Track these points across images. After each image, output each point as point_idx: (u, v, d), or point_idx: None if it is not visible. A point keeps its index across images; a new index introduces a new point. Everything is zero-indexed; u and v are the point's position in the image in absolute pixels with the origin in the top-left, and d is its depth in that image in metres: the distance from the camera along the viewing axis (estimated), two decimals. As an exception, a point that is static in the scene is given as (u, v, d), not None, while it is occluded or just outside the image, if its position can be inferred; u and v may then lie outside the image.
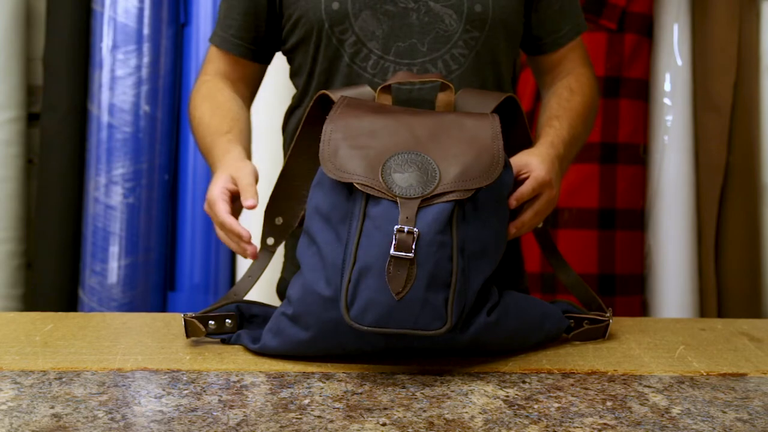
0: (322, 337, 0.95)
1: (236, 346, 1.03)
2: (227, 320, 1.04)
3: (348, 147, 0.95)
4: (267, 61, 1.33)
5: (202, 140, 1.23)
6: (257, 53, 1.30)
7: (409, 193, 0.91)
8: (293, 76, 1.31)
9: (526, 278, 1.41)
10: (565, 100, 1.23)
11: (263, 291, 1.93)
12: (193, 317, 1.03)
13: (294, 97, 1.31)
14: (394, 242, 0.89)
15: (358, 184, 0.92)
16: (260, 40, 1.28)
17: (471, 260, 0.94)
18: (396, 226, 0.89)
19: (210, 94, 1.27)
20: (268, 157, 1.68)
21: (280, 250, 1.40)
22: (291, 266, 1.35)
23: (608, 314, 1.09)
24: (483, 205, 0.96)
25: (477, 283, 0.94)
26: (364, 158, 0.94)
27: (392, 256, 0.89)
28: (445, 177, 0.92)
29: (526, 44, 1.31)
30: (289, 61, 1.30)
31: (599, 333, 1.08)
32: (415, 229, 0.89)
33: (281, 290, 1.37)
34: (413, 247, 0.89)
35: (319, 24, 1.19)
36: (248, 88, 1.33)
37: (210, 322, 1.04)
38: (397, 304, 0.88)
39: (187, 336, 1.04)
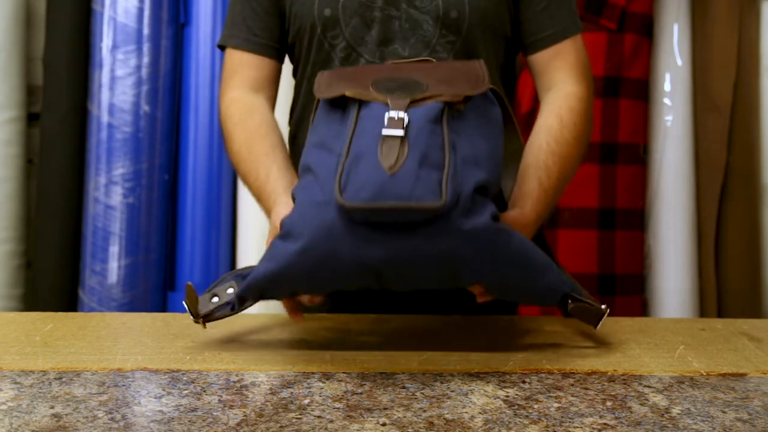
0: (315, 244, 0.91)
1: (236, 347, 1.04)
2: (229, 290, 1.01)
3: (339, 78, 1.02)
4: (283, 59, 1.32)
5: (244, 177, 1.22)
6: (280, 52, 1.29)
7: (398, 96, 0.96)
8: (293, 74, 1.33)
9: None
10: (554, 140, 1.17)
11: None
12: (194, 290, 1.00)
13: (294, 93, 1.32)
14: (385, 124, 0.92)
15: (349, 92, 0.97)
16: (280, 38, 1.28)
17: (464, 163, 0.93)
18: (387, 114, 0.93)
19: (241, 121, 1.23)
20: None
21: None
22: None
23: (604, 307, 1.05)
24: (471, 125, 0.97)
25: (471, 183, 0.92)
26: (354, 80, 1.00)
27: (384, 136, 0.91)
28: (433, 88, 0.97)
29: (518, 45, 1.30)
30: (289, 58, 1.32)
31: (595, 317, 1.02)
32: (405, 115, 0.92)
33: None
34: (404, 128, 0.91)
35: (311, 29, 1.21)
36: (274, 89, 1.31)
37: (214, 299, 1.01)
38: (390, 179, 0.88)
39: (188, 306, 1.00)
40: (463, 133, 0.96)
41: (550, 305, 1.01)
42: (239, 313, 1.03)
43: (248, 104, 1.25)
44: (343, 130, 0.97)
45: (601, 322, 1.03)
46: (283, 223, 0.96)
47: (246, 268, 1.04)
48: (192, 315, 1.01)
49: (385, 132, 0.91)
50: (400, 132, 0.91)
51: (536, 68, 1.28)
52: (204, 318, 1.01)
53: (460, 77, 1.01)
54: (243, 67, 1.27)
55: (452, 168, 0.90)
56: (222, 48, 1.31)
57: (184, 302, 1.00)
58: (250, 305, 1.02)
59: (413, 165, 0.89)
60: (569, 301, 1.01)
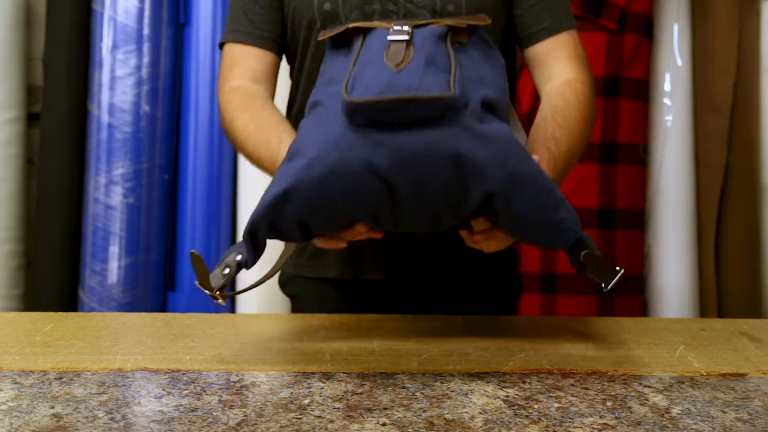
0: (323, 155, 0.88)
1: (236, 347, 1.03)
2: (238, 257, 0.95)
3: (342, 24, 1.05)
4: (282, 55, 1.31)
5: (253, 152, 1.17)
6: (281, 47, 1.28)
7: (402, 22, 0.97)
8: (290, 74, 1.32)
9: (518, 263, 1.41)
10: (561, 115, 1.14)
11: (264, 289, 1.93)
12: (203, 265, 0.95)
13: (290, 92, 1.32)
14: (390, 32, 0.93)
15: (353, 25, 0.99)
16: (281, 33, 1.27)
17: (470, 80, 0.91)
18: (392, 29, 0.95)
19: (244, 103, 1.20)
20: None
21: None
22: (290, 259, 1.35)
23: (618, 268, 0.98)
24: (474, 56, 0.98)
25: (479, 95, 0.90)
26: (357, 20, 1.04)
27: (389, 41, 0.91)
28: (436, 21, 0.99)
29: (514, 40, 1.29)
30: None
31: (608, 274, 0.94)
32: (409, 28, 0.94)
33: (282, 283, 1.38)
34: (409, 35, 0.92)
35: (311, 23, 1.21)
36: (273, 83, 1.29)
37: (225, 270, 0.95)
38: (397, 74, 0.87)
39: (200, 282, 0.95)
40: (467, 58, 0.95)
41: (561, 248, 0.95)
42: (239, 313, 1.03)
43: (250, 91, 1.23)
44: (349, 60, 0.97)
45: (613, 283, 0.95)
46: (288, 149, 0.93)
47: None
48: (207, 290, 0.95)
49: (391, 38, 0.91)
50: (405, 36, 0.91)
51: (534, 60, 1.25)
52: (220, 292, 0.95)
53: (462, 18, 1.03)
54: (243, 59, 1.25)
55: (459, 73, 0.89)
56: (222, 46, 1.29)
57: (196, 283, 0.95)
58: (265, 242, 0.95)
59: (420, 63, 0.88)
60: (582, 251, 0.93)
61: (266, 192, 0.92)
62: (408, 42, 0.92)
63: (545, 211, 0.91)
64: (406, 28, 0.95)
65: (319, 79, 1.03)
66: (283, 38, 1.28)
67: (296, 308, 1.36)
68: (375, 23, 0.99)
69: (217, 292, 0.95)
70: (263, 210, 0.92)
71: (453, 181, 0.88)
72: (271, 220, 0.92)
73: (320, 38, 1.04)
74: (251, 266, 0.96)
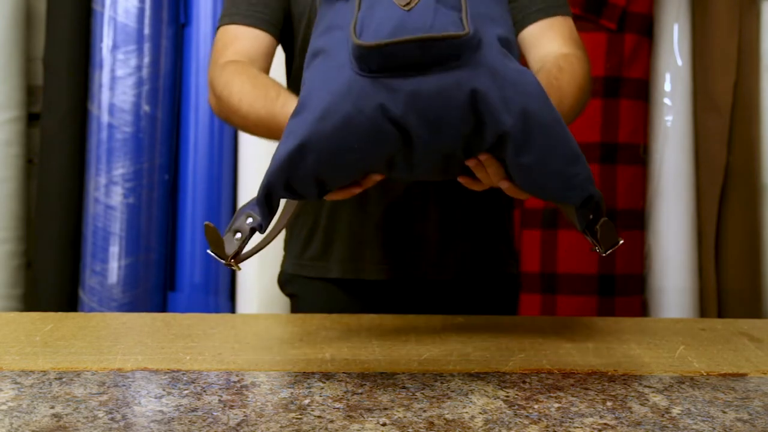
0: (336, 105, 0.84)
1: (236, 347, 1.03)
2: (248, 219, 0.91)
3: None
4: (279, 40, 1.28)
5: (248, 111, 1.11)
6: (279, 31, 1.26)
7: None
8: (286, 74, 1.32)
9: (518, 263, 1.40)
10: (554, 77, 1.10)
11: (264, 289, 1.93)
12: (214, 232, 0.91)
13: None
14: None
15: None
16: (280, 18, 1.25)
17: (480, 17, 0.87)
18: None
19: (238, 71, 1.16)
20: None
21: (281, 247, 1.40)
22: (291, 258, 1.35)
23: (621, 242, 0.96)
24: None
25: (493, 33, 0.86)
26: None
27: None
28: None
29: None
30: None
31: (611, 240, 0.93)
32: None
33: (282, 282, 1.37)
34: None
35: (311, 11, 1.20)
36: (268, 65, 1.25)
37: (237, 235, 0.91)
38: (408, 14, 0.83)
39: (214, 252, 0.92)
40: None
41: (571, 203, 0.91)
42: (239, 313, 1.02)
43: (245, 64, 1.19)
44: (350, 7, 0.91)
45: (611, 251, 0.93)
46: (297, 103, 0.89)
47: (248, 202, 0.95)
48: (221, 259, 0.92)
49: None
50: None
51: (528, 41, 1.22)
52: (234, 258, 0.92)
53: None
54: (238, 39, 1.21)
55: (470, 10, 0.85)
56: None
57: (208, 251, 0.92)
58: (275, 214, 0.92)
59: (430, 2, 0.84)
60: (591, 211, 0.91)
61: (278, 149, 0.88)
62: None
63: (557, 163, 0.88)
64: None
65: (316, 29, 0.97)
66: (283, 27, 1.26)
67: (296, 308, 1.35)
68: None
69: (232, 260, 0.92)
70: (278, 168, 0.87)
71: (469, 121, 0.85)
72: (287, 178, 0.88)
73: None
74: (265, 230, 0.93)
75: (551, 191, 0.91)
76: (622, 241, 0.93)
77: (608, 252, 0.93)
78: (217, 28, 1.26)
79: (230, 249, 0.91)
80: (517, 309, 1.39)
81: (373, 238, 1.27)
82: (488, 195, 1.30)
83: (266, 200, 0.90)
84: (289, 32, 1.28)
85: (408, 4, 0.84)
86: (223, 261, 0.92)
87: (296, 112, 0.88)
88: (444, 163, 0.91)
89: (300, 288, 1.34)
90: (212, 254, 0.92)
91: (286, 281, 1.37)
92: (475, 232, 1.30)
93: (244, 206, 0.93)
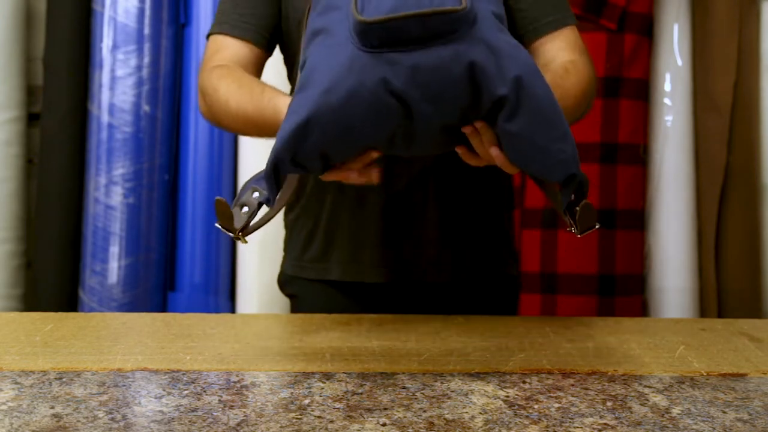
0: (339, 80, 0.87)
1: (236, 347, 1.03)
2: (254, 194, 0.94)
3: None
4: (271, 51, 1.29)
5: (236, 111, 1.13)
6: (269, 42, 1.26)
7: None
8: (288, 76, 1.32)
9: (518, 264, 1.40)
10: (560, 77, 1.13)
11: (264, 289, 1.93)
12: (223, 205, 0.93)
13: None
14: None
15: None
16: (270, 27, 1.25)
17: None
18: None
19: (225, 74, 1.18)
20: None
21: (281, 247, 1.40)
22: (290, 260, 1.35)
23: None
24: None
25: (488, 9, 0.90)
26: None
27: None
28: None
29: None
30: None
31: (589, 222, 0.93)
32: None
33: (282, 283, 1.37)
34: None
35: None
36: (257, 76, 1.26)
37: (244, 209, 0.94)
38: None
39: (222, 226, 0.94)
40: None
41: (552, 180, 0.93)
42: (239, 313, 1.02)
43: (231, 67, 1.20)
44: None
45: (586, 232, 0.93)
46: (299, 79, 0.91)
47: (255, 175, 0.97)
48: (230, 233, 0.94)
49: None
50: None
51: (536, 52, 1.24)
52: (242, 231, 0.95)
53: None
54: (227, 48, 1.23)
55: None
56: (209, 38, 1.27)
57: (217, 224, 0.94)
58: (281, 186, 0.93)
59: None
60: (574, 192, 0.92)
61: (284, 125, 0.90)
62: None
63: (544, 136, 0.89)
64: None
65: (313, 10, 0.99)
66: (273, 34, 1.26)
67: (296, 309, 1.35)
68: None
69: (240, 233, 0.95)
70: (285, 143, 0.89)
71: (467, 92, 0.88)
72: (293, 152, 0.90)
73: None
74: (273, 203, 0.95)
75: (536, 164, 0.92)
76: (598, 225, 0.94)
77: (583, 234, 0.93)
78: (207, 36, 1.27)
79: (238, 223, 0.94)
80: (517, 310, 1.39)
81: (372, 240, 1.27)
82: (487, 196, 1.30)
83: (274, 174, 0.92)
84: (286, 38, 1.27)
85: None
86: (232, 234, 0.94)
87: (300, 89, 0.90)
88: (442, 136, 0.94)
89: (300, 289, 1.34)
90: (220, 227, 0.94)
91: (285, 282, 1.37)
92: (475, 233, 1.30)
93: (249, 180, 0.95)
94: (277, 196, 0.95)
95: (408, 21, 0.85)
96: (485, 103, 0.89)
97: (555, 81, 1.09)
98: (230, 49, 1.23)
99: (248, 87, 1.12)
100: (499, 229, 1.33)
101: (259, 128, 1.10)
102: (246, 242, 0.97)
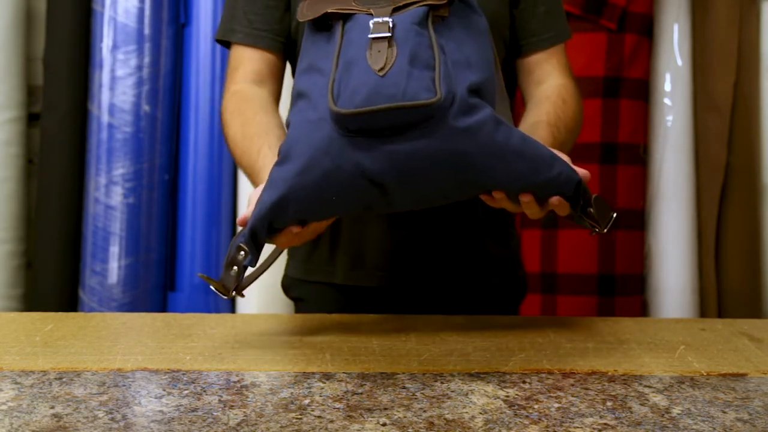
0: (315, 161, 0.90)
1: (236, 347, 1.04)
2: (241, 253, 0.97)
3: (321, 1, 1.01)
4: (288, 55, 1.29)
5: (239, 161, 1.20)
6: (285, 46, 1.26)
7: (381, 5, 0.95)
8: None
9: (522, 268, 1.40)
10: (560, 109, 1.19)
11: (264, 289, 1.92)
12: (213, 282, 0.98)
13: None
14: (371, 29, 0.92)
15: (331, 8, 0.97)
16: (283, 31, 1.25)
17: (455, 65, 0.92)
18: (372, 20, 0.93)
19: (238, 110, 1.21)
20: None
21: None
22: (294, 263, 1.35)
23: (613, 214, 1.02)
24: (458, 31, 0.97)
25: (465, 84, 0.91)
26: (335, 1, 0.99)
27: (371, 39, 0.91)
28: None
29: (513, 48, 1.29)
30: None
31: (608, 215, 0.99)
32: (390, 19, 0.93)
33: (286, 286, 1.37)
34: (390, 29, 0.91)
35: None
36: (277, 83, 1.28)
37: (233, 269, 0.97)
38: (382, 80, 0.87)
39: (218, 291, 0.99)
40: (450, 37, 0.95)
41: (569, 194, 0.96)
42: (239, 313, 1.03)
43: (248, 95, 1.23)
44: (330, 49, 0.96)
45: (609, 225, 0.99)
46: (279, 149, 0.95)
47: (242, 230, 1.00)
48: (225, 295, 0.99)
49: (372, 35, 0.91)
50: (387, 33, 0.91)
51: (528, 66, 1.28)
52: (236, 290, 0.99)
53: None
54: (244, 62, 1.25)
55: (443, 67, 0.90)
56: (219, 42, 1.29)
57: (212, 287, 0.98)
58: (265, 242, 0.98)
59: (403, 64, 0.88)
60: (583, 193, 0.96)
61: (261, 198, 0.94)
62: (389, 38, 0.91)
63: (544, 172, 0.94)
64: (386, 19, 0.93)
65: (300, 64, 1.02)
66: (288, 37, 1.26)
67: (301, 312, 1.35)
68: (354, 7, 0.97)
69: (233, 292, 0.99)
70: (261, 218, 0.94)
71: (447, 177, 0.92)
72: (270, 223, 0.95)
73: (299, 18, 1.02)
74: (256, 264, 0.99)
75: (548, 195, 0.96)
76: (615, 214, 1.00)
77: (607, 228, 0.99)
78: (217, 39, 1.29)
79: (231, 284, 0.98)
80: (518, 309, 1.39)
81: (374, 244, 1.27)
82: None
83: (252, 240, 0.96)
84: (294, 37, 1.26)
85: (382, 68, 0.88)
86: (226, 296, 0.99)
87: (281, 161, 0.94)
88: (427, 205, 0.99)
89: (305, 292, 1.33)
90: (216, 290, 0.98)
91: (289, 285, 1.36)
92: (479, 236, 1.29)
93: (236, 237, 0.98)
94: (265, 257, 1.02)
95: (381, 114, 0.86)
96: (472, 187, 0.94)
97: (557, 113, 1.17)
98: (248, 63, 1.25)
99: (248, 142, 1.15)
100: (502, 232, 1.32)
101: (253, 181, 1.15)
102: (244, 296, 1.02)
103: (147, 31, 2.15)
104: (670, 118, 2.13)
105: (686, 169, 2.12)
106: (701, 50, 2.13)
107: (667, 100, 2.13)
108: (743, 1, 2.10)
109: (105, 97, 2.14)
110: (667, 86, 2.13)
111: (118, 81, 2.13)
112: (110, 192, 2.12)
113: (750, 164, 2.10)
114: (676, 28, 2.13)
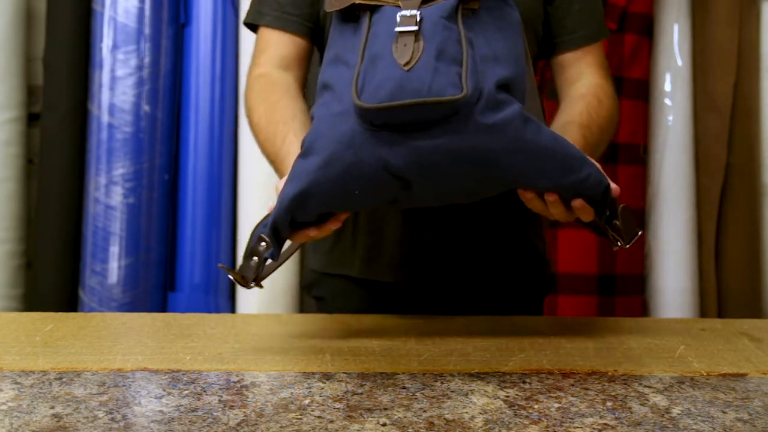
0: (337, 154, 0.89)
1: (236, 347, 1.03)
2: (262, 243, 0.96)
3: None
4: (316, 40, 1.27)
5: (262, 145, 1.18)
6: (313, 31, 1.24)
7: None
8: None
9: (546, 265, 1.35)
10: (594, 110, 1.17)
11: (264, 288, 1.92)
12: (233, 272, 0.98)
13: None
14: (398, 22, 0.89)
15: (359, 1, 0.95)
16: (314, 15, 1.24)
17: (484, 60, 0.90)
18: (399, 13, 0.91)
19: (263, 94, 1.19)
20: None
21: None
22: (315, 256, 1.34)
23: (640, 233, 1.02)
24: (488, 25, 0.94)
25: (493, 79, 0.89)
26: None
27: (397, 33, 0.89)
28: None
29: (546, 45, 1.27)
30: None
31: (633, 228, 0.99)
32: (417, 12, 0.90)
33: (309, 284, 1.36)
34: (417, 23, 0.89)
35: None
36: (304, 69, 1.26)
37: (254, 259, 0.96)
38: (408, 74, 0.86)
39: (237, 281, 0.99)
40: (480, 31, 0.93)
41: (596, 198, 0.96)
42: (239, 313, 1.03)
43: (273, 79, 1.21)
44: (356, 41, 0.94)
45: (633, 241, 0.99)
46: (303, 142, 0.94)
47: (264, 218, 0.99)
48: (245, 286, 0.99)
49: (398, 29, 0.89)
50: (414, 27, 0.88)
51: (562, 65, 1.26)
52: (255, 281, 0.99)
53: None
54: (271, 45, 1.23)
55: (471, 62, 0.88)
56: (248, 26, 1.27)
57: (231, 277, 0.98)
58: (287, 237, 0.97)
59: (430, 59, 0.87)
60: (609, 200, 0.96)
61: (284, 190, 0.93)
62: (416, 32, 0.89)
63: (570, 175, 0.93)
64: (414, 12, 0.91)
65: (326, 54, 1.00)
66: (316, 22, 1.24)
67: (322, 311, 1.33)
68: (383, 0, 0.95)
69: (252, 283, 0.99)
70: (284, 211, 0.93)
71: (473, 174, 0.90)
72: (291, 217, 0.94)
73: (327, 9, 1.00)
74: (278, 257, 0.98)
75: (578, 193, 0.95)
76: (641, 232, 0.99)
77: (630, 243, 0.98)
78: (246, 23, 1.27)
79: (250, 274, 0.98)
80: (543, 308, 1.37)
81: (392, 237, 1.25)
82: (510, 197, 1.28)
83: (274, 234, 0.95)
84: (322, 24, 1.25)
85: (408, 63, 0.87)
86: (246, 287, 0.99)
87: (304, 153, 0.93)
88: (450, 201, 0.98)
89: (326, 290, 1.32)
90: (235, 280, 0.98)
91: (312, 282, 1.35)
92: (498, 233, 1.27)
93: (258, 227, 0.97)
94: (284, 249, 0.99)
95: (405, 109, 0.85)
96: (498, 184, 0.93)
97: (590, 114, 1.15)
98: (275, 46, 1.23)
99: (273, 128, 1.14)
100: (522, 229, 1.30)
101: (275, 168, 1.14)
102: (262, 287, 1.01)
103: (147, 31, 2.15)
104: (670, 118, 2.13)
105: (686, 169, 2.12)
106: (701, 50, 2.13)
107: (667, 100, 2.13)
108: (743, 1, 2.10)
109: (105, 97, 2.14)
110: (667, 86, 2.13)
111: (118, 81, 2.13)
112: (110, 192, 2.12)
113: (750, 164, 2.10)
114: (676, 28, 2.14)
